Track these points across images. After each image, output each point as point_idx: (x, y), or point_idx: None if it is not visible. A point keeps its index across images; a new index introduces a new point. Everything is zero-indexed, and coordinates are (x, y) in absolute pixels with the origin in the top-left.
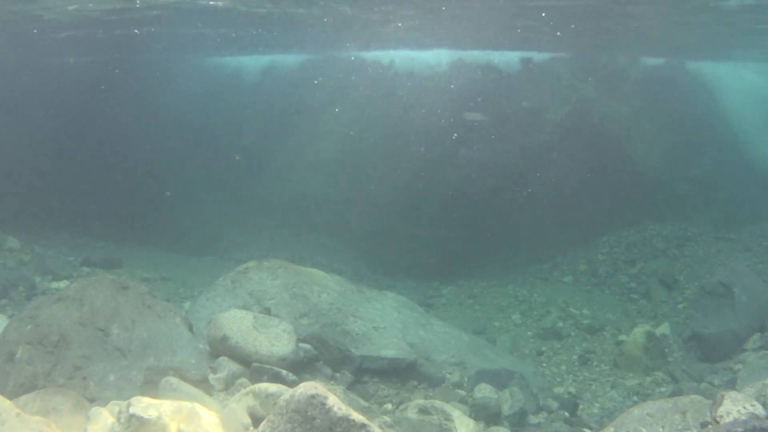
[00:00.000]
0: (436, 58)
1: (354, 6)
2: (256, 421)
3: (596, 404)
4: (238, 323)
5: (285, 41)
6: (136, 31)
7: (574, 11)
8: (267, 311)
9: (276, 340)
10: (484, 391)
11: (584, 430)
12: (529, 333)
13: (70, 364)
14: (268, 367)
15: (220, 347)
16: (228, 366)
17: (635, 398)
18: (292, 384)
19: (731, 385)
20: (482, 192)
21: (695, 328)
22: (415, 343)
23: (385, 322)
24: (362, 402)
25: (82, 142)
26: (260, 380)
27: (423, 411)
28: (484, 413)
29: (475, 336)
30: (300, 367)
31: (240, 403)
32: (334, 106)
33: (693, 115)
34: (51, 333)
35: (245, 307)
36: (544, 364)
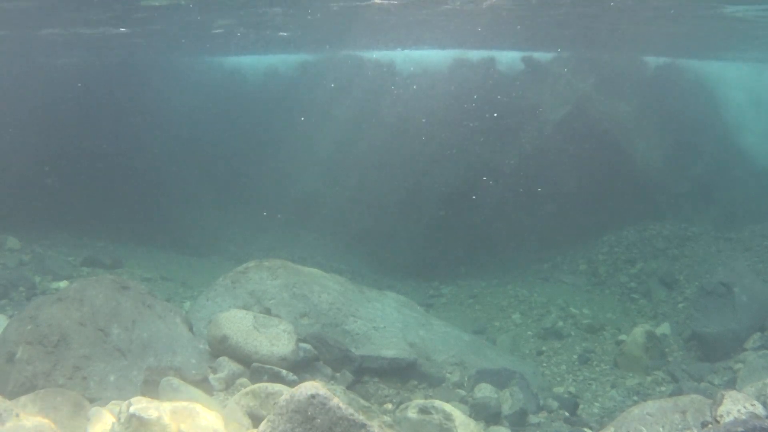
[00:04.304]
0: (437, 57)
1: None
2: (256, 421)
3: (596, 404)
4: (238, 323)
5: (284, 40)
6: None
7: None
8: (267, 311)
9: (276, 339)
10: (485, 390)
11: (584, 429)
12: (529, 333)
13: (70, 364)
14: (268, 367)
15: (221, 347)
16: (228, 366)
17: (635, 398)
18: (292, 384)
19: (731, 384)
20: (482, 192)
21: (695, 328)
22: (415, 343)
23: (385, 322)
24: (362, 402)
25: (82, 142)
26: (260, 380)
27: (423, 411)
28: (484, 413)
29: (475, 336)
30: (300, 367)
31: (240, 403)
32: (335, 106)
33: (693, 115)
34: (51, 333)
35: (245, 307)
36: (544, 364)
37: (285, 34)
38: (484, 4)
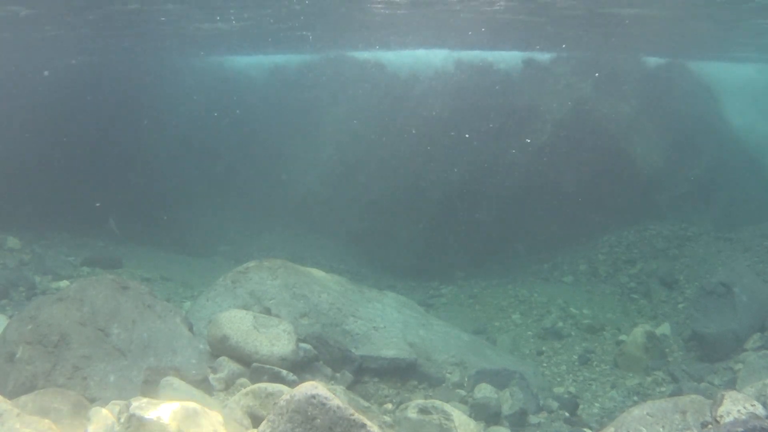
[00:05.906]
0: (436, 58)
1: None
2: (256, 421)
3: (596, 404)
4: (238, 323)
5: (286, 41)
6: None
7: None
8: (267, 311)
9: (276, 339)
10: (485, 391)
11: (584, 430)
12: (529, 333)
13: (70, 364)
14: (268, 367)
15: (221, 347)
16: (228, 366)
17: (635, 398)
18: (292, 384)
19: (731, 384)
20: (482, 192)
21: (695, 328)
22: (415, 343)
23: (385, 322)
24: (362, 402)
25: (82, 142)
26: (260, 380)
27: (423, 411)
28: (484, 413)
29: (475, 336)
30: (300, 367)
31: (240, 403)
32: (334, 107)
33: (693, 115)
34: (51, 333)
35: (245, 307)
36: (544, 364)
37: (284, 34)
38: (493, 6)
